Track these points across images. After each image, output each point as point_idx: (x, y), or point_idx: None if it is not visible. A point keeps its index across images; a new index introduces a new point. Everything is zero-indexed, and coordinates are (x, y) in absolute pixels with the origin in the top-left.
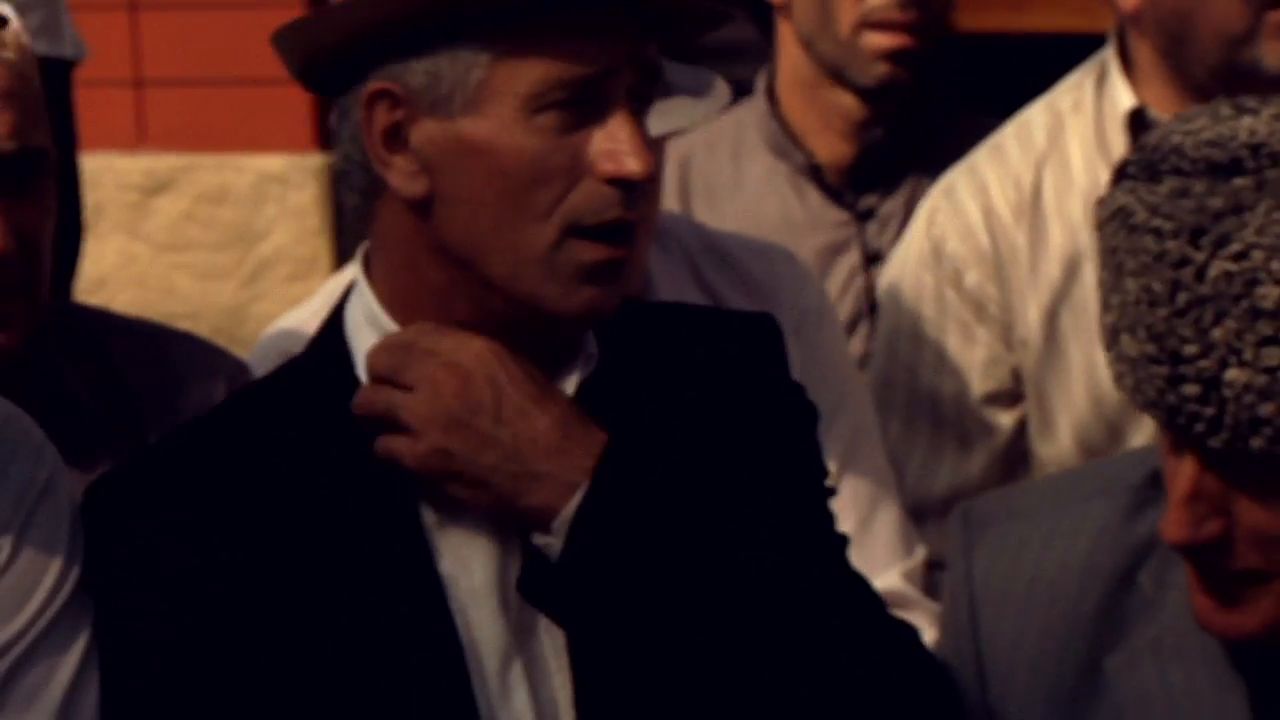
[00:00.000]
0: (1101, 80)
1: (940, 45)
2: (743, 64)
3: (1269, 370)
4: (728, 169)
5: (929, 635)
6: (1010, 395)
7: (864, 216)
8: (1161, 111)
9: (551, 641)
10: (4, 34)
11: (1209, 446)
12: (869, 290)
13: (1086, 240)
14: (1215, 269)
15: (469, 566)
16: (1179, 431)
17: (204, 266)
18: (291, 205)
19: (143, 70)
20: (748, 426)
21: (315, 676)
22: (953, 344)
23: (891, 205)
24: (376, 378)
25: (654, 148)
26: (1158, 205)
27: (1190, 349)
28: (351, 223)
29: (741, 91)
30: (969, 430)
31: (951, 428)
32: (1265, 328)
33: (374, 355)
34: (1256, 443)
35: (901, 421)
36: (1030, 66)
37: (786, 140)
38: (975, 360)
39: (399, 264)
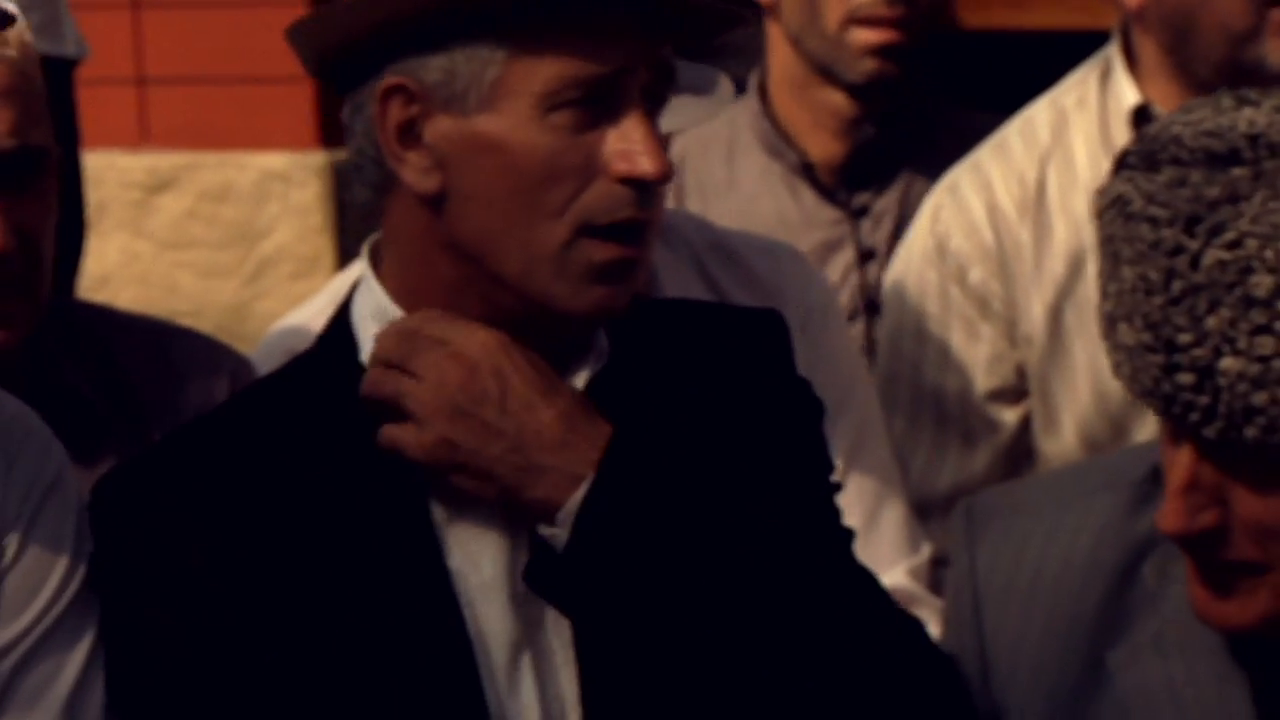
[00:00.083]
0: (1106, 77)
1: (929, 41)
2: (736, 63)
3: (1263, 359)
4: (721, 169)
5: (934, 632)
6: (1014, 392)
7: (858, 214)
8: (1165, 108)
9: (559, 635)
10: (6, 32)
11: (1204, 436)
12: (864, 287)
13: (1091, 237)
14: (1209, 257)
15: (478, 560)
16: (1175, 420)
17: (207, 264)
18: (294, 203)
19: (145, 68)
20: (755, 421)
21: (324, 671)
22: (957, 341)
23: (885, 202)
24: (384, 362)
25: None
26: (1154, 194)
27: (1185, 337)
28: (361, 218)
29: (738, 90)
30: (973, 427)
31: (955, 424)
32: (1259, 316)
33: (382, 339)
34: (1250, 432)
35: (905, 418)
36: (1032, 64)
37: (779, 139)
38: (979, 357)
39: (410, 259)
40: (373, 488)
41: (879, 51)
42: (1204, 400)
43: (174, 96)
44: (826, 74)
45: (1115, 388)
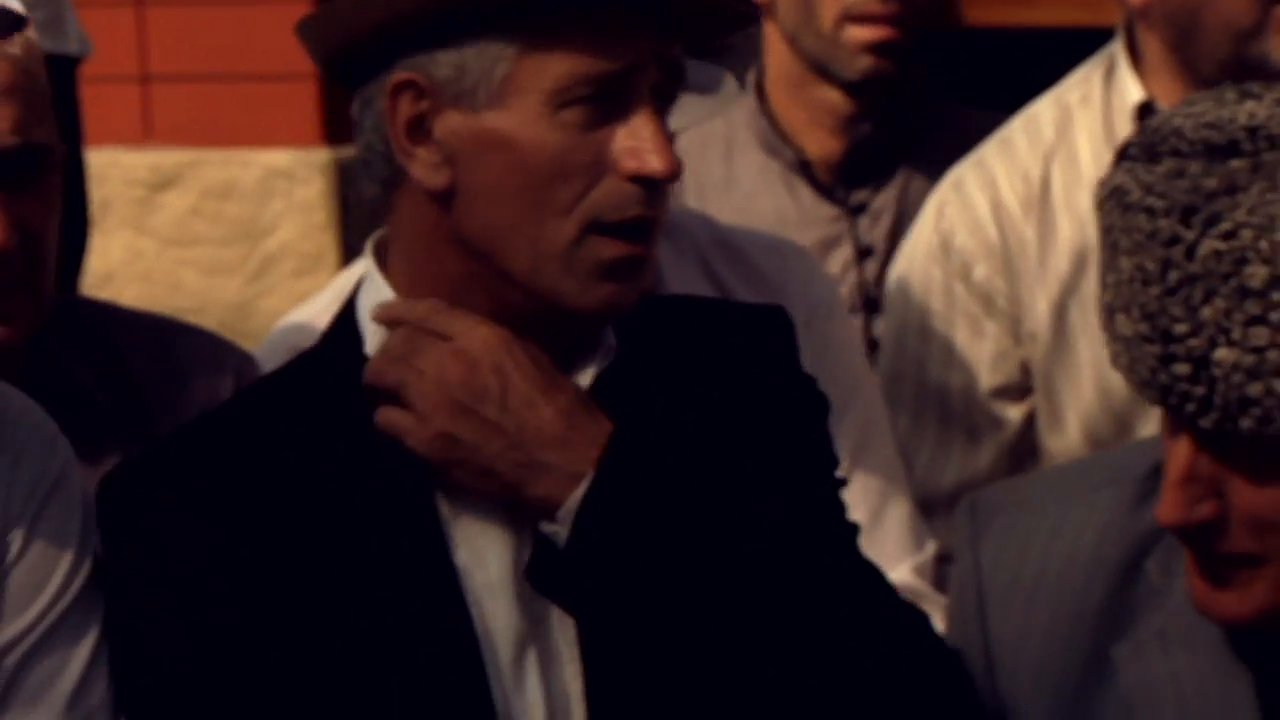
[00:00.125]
0: (1110, 74)
1: (933, 39)
2: (733, 62)
3: (1257, 350)
4: (719, 168)
5: (939, 629)
6: (1018, 389)
7: (856, 211)
8: (1170, 105)
9: (564, 632)
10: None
11: (1201, 427)
12: (861, 284)
13: (1095, 234)
14: (1205, 247)
15: (484, 557)
16: (1171, 411)
17: (210, 261)
18: (298, 200)
19: (149, 66)
20: (760, 418)
21: (331, 667)
22: (961, 338)
23: (883, 199)
24: (388, 353)
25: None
26: (1152, 184)
27: (1181, 328)
28: (366, 215)
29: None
30: (977, 424)
31: (960, 421)
32: (1253, 307)
33: (377, 317)
34: (1246, 423)
35: (909, 415)
36: (1035, 61)
37: (776, 137)
38: (984, 354)
39: (417, 255)
40: (378, 484)
41: (874, 49)
42: (1199, 391)
43: (178, 94)
44: (822, 72)
45: (1120, 384)
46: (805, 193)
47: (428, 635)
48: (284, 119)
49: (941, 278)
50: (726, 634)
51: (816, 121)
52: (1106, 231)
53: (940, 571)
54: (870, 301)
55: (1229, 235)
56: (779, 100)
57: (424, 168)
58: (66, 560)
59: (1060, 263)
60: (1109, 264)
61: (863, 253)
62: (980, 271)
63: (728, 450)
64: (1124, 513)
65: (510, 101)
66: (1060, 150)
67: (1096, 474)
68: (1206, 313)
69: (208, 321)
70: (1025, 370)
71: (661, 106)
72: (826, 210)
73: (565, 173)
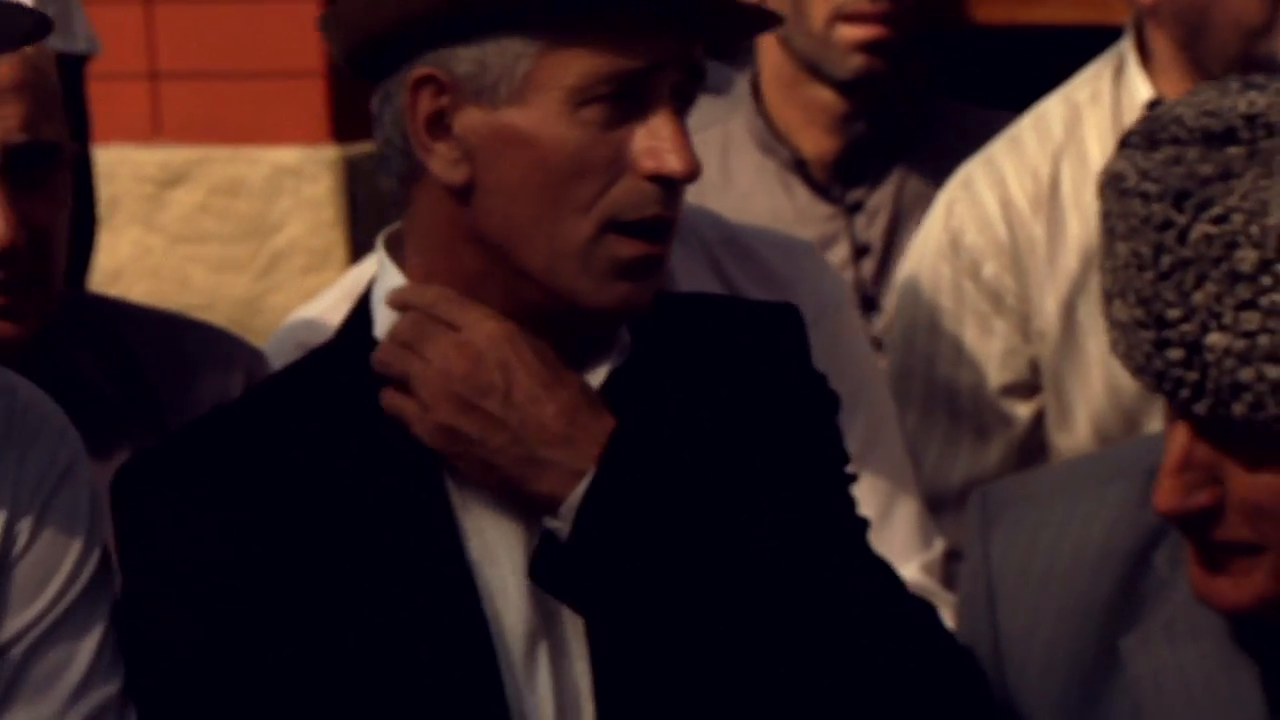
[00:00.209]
0: (1119, 72)
1: (926, 36)
2: (743, 62)
3: (1248, 334)
4: (716, 167)
5: (949, 627)
6: (1028, 386)
7: (852, 209)
8: None
9: (574, 626)
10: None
11: (1196, 413)
12: (859, 283)
13: None
14: (1196, 232)
15: (496, 550)
16: (1167, 397)
17: (219, 258)
18: (306, 197)
19: (158, 63)
20: (771, 414)
21: (343, 659)
22: (970, 335)
23: (879, 197)
24: (397, 340)
25: None
26: (1149, 170)
27: (1174, 313)
28: (374, 213)
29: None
30: (986, 421)
31: (969, 419)
32: (1244, 291)
33: (392, 302)
34: (1238, 409)
35: (918, 413)
36: (1040, 59)
37: (771, 137)
38: (993, 351)
39: (434, 250)
40: (393, 476)
41: (866, 47)
42: (1192, 376)
43: (186, 91)
44: (815, 71)
45: (1128, 382)
46: (801, 191)
47: (441, 629)
48: (292, 116)
49: (951, 275)
50: (733, 629)
51: (811, 120)
52: (1105, 217)
53: (949, 569)
54: (867, 300)
55: (1220, 219)
56: (773, 99)
57: (443, 163)
58: (74, 552)
59: (1069, 261)
60: (1107, 250)
61: (859, 251)
62: (989, 269)
63: (738, 447)
64: (1132, 506)
65: (531, 98)
66: (1069, 148)
67: (1105, 467)
68: (1198, 297)
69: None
70: (1034, 368)
71: (681, 107)
72: (822, 209)
73: (584, 171)
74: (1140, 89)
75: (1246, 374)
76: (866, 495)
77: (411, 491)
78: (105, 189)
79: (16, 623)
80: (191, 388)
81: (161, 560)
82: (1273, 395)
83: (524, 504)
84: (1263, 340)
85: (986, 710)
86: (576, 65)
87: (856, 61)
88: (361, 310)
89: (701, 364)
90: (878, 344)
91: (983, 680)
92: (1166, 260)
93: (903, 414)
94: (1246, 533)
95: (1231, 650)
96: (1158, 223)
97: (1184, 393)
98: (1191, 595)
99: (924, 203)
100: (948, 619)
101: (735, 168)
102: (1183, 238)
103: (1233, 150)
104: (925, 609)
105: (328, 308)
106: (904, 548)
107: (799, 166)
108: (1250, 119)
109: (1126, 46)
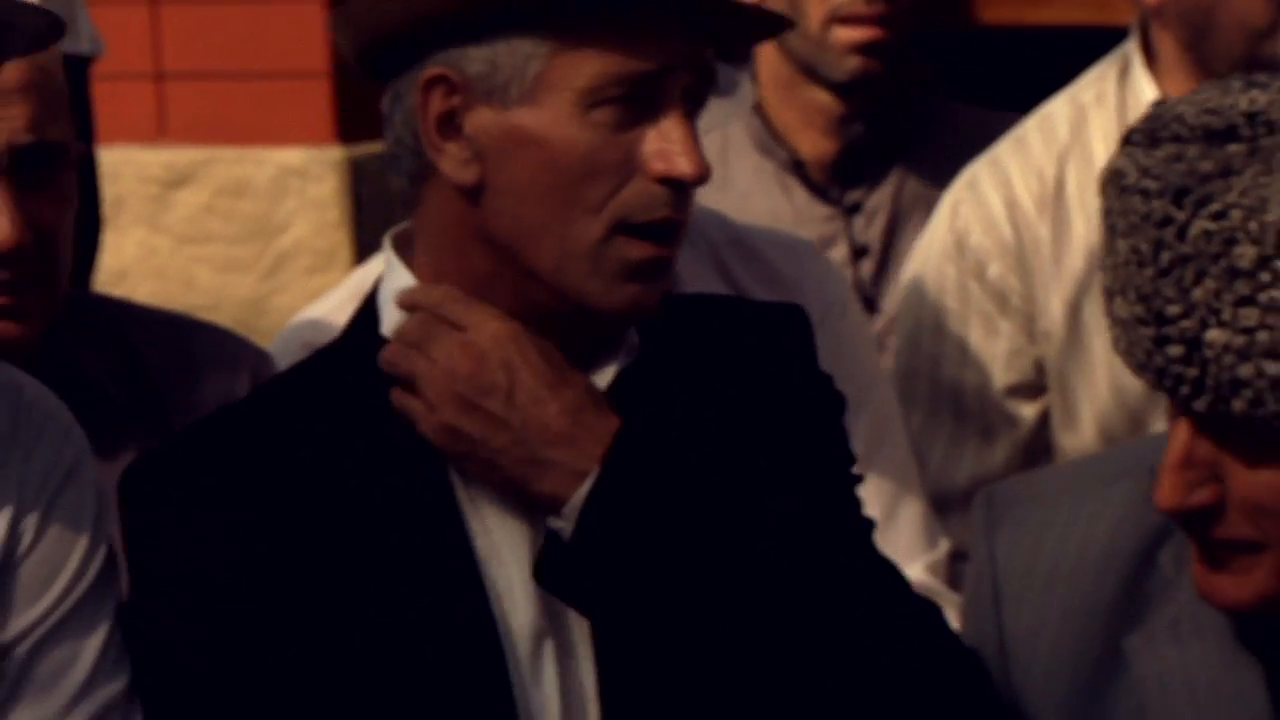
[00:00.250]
0: (1124, 73)
1: (926, 37)
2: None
3: (1247, 331)
4: (714, 168)
5: (953, 627)
6: (1033, 387)
7: (850, 211)
8: None
9: (580, 626)
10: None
11: (1196, 409)
12: (858, 284)
13: None
14: (1195, 228)
15: (502, 550)
16: (1167, 394)
17: (224, 259)
18: (311, 198)
19: (163, 63)
20: (778, 415)
21: (351, 658)
22: (975, 336)
23: (877, 199)
24: (404, 340)
25: None
26: (1149, 167)
27: (1173, 309)
28: (386, 209)
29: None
30: (991, 422)
31: (974, 419)
32: (1243, 287)
33: (400, 303)
34: (1238, 405)
35: (924, 413)
36: (1047, 60)
37: (770, 138)
38: (998, 352)
39: (443, 250)
40: (401, 475)
41: (861, 49)
42: (1192, 373)
43: (191, 92)
44: (811, 73)
45: (1133, 382)
46: (800, 193)
47: (448, 628)
48: (297, 117)
49: (956, 276)
50: (738, 629)
51: (808, 122)
52: (1106, 215)
53: (954, 569)
54: (867, 301)
55: (1219, 216)
56: (771, 101)
57: (453, 163)
58: (80, 550)
59: (1075, 261)
60: (1108, 247)
61: (858, 252)
62: (995, 270)
63: (744, 448)
64: (1137, 505)
65: (542, 99)
66: (1075, 149)
67: (1111, 467)
68: (1197, 294)
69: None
70: (1039, 368)
71: (692, 110)
72: (821, 210)
73: (594, 172)
74: (1145, 90)
75: (1245, 370)
76: (871, 496)
77: (419, 491)
78: (110, 189)
79: (21, 621)
80: (197, 388)
81: (169, 559)
82: (1272, 392)
83: (529, 504)
84: (1261, 336)
85: (991, 710)
86: (588, 66)
87: (852, 63)
88: (368, 309)
89: (708, 365)
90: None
91: (988, 681)
92: (1166, 257)
93: (908, 414)
94: (1247, 530)
95: (1236, 650)
96: (1157, 219)
97: (1184, 389)
98: (1196, 594)
99: (922, 203)
100: (952, 619)
101: (734, 169)
102: (1182, 234)
103: (1233, 148)
104: (930, 609)
105: (333, 308)
106: (909, 548)
107: (797, 168)
108: (1251, 116)
109: (1132, 47)
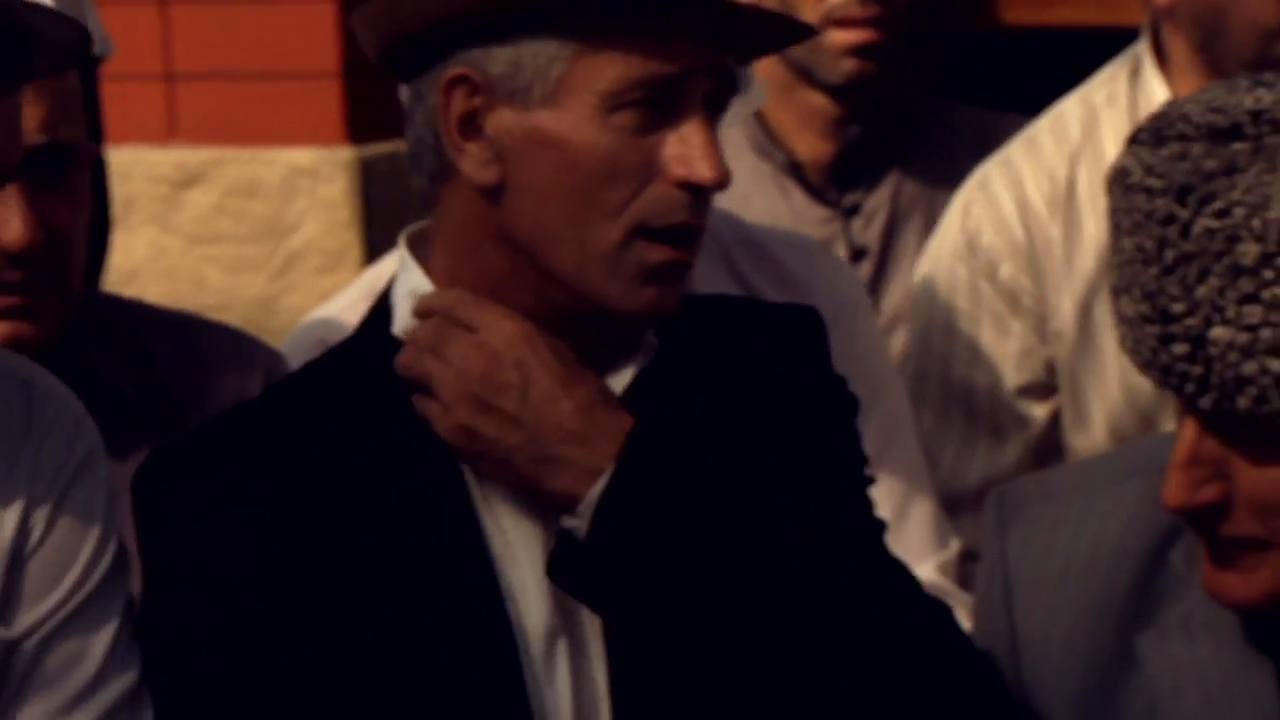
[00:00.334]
0: (1135, 74)
1: (929, 37)
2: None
3: (1251, 328)
4: None
5: (964, 627)
6: (1044, 387)
7: (848, 213)
8: None
9: (592, 625)
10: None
11: (1201, 407)
12: None
13: None
14: (1199, 226)
15: (517, 549)
16: (1174, 392)
17: (234, 259)
18: (321, 198)
19: (173, 64)
20: (791, 416)
21: (365, 656)
22: (986, 336)
23: (876, 200)
24: (418, 344)
25: None
26: (1154, 166)
27: (1178, 307)
28: (388, 213)
29: None
30: (1002, 422)
31: (985, 420)
32: (1246, 284)
33: (415, 311)
34: (1243, 403)
35: (935, 414)
36: (1057, 61)
37: (767, 140)
38: (1009, 352)
39: (461, 249)
40: (415, 473)
41: (856, 51)
42: (1197, 370)
43: (202, 92)
44: (807, 76)
45: (1144, 382)
46: (797, 195)
47: (462, 628)
48: (308, 117)
49: (967, 276)
50: (750, 628)
51: (805, 124)
52: (1112, 213)
53: (965, 569)
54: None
55: (1222, 213)
56: (768, 104)
57: (474, 163)
58: (90, 545)
59: (1086, 262)
60: (1114, 245)
61: (856, 254)
62: (1006, 270)
63: (757, 448)
64: (1148, 504)
65: (564, 101)
66: (1086, 150)
67: (1122, 465)
68: (1202, 291)
69: (231, 318)
70: (1050, 369)
71: (713, 115)
72: (819, 212)
73: (615, 176)
74: (1157, 91)
75: (1250, 368)
76: (882, 496)
77: (433, 491)
78: (120, 190)
79: (31, 615)
80: (209, 388)
81: (182, 557)
82: (1276, 389)
83: (544, 503)
84: (1265, 334)
85: (1002, 710)
86: (610, 69)
87: (848, 66)
88: (381, 308)
89: (723, 366)
90: None
91: (999, 680)
92: (1170, 255)
93: (919, 414)
94: (1254, 528)
95: (1247, 648)
96: (1161, 217)
97: (1189, 387)
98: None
99: (920, 204)
100: (963, 620)
101: (732, 171)
102: (1185, 232)
103: (1237, 146)
104: (941, 609)
105: (345, 307)
106: (920, 548)
107: (795, 170)
108: (1256, 115)
109: (1143, 48)
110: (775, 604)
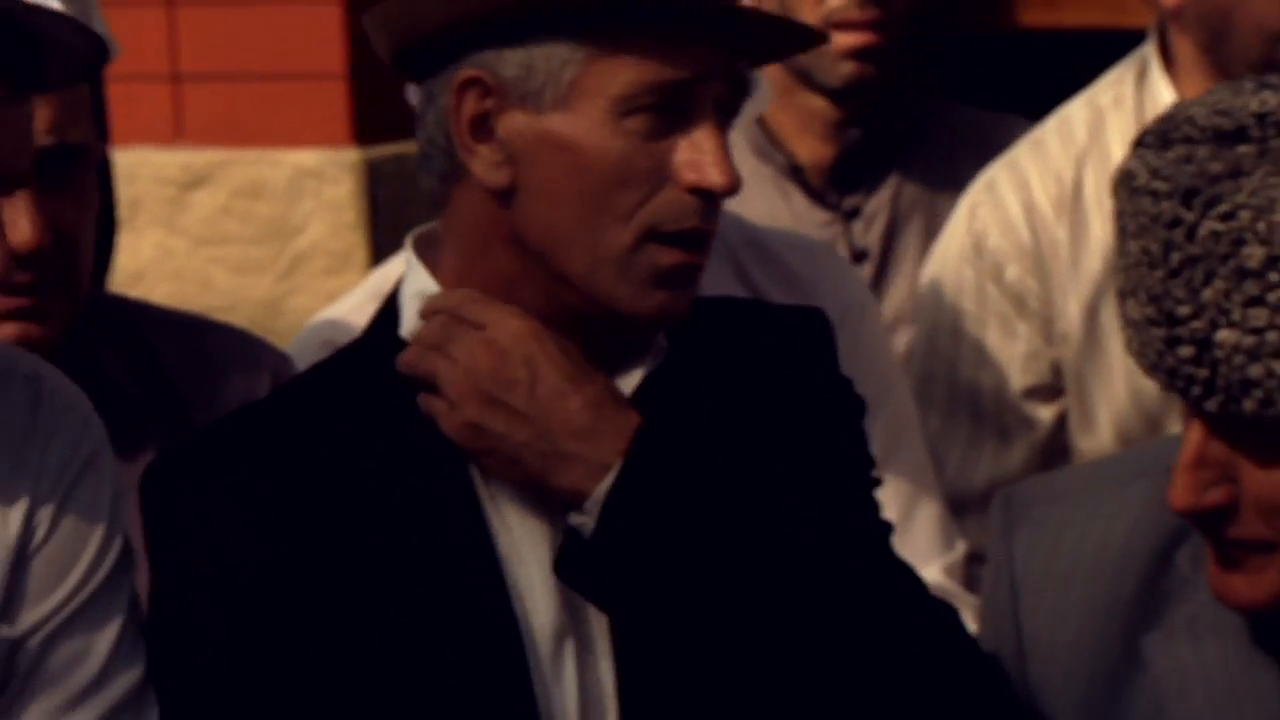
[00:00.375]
0: (1142, 76)
1: (909, 40)
2: None
3: (1256, 331)
4: None
5: (971, 628)
6: (1050, 389)
7: (849, 215)
8: None
9: (599, 624)
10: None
11: (1208, 410)
12: None
13: None
14: (1204, 229)
15: (524, 547)
16: (1180, 395)
17: (240, 260)
18: (328, 200)
19: (180, 65)
20: (798, 417)
21: (372, 655)
22: (993, 338)
23: (876, 203)
24: (423, 342)
25: None
26: (1159, 169)
27: (1184, 310)
28: (394, 215)
29: None
30: (1008, 424)
31: (991, 422)
32: (1252, 287)
33: (424, 314)
34: (1248, 405)
35: (941, 415)
36: (1062, 63)
37: (767, 143)
38: (1015, 354)
39: (471, 251)
40: (423, 472)
41: (856, 54)
42: (1203, 373)
43: (208, 93)
44: (807, 79)
45: (1151, 385)
46: (798, 198)
47: (470, 626)
48: (314, 119)
49: (974, 278)
50: (756, 628)
51: (805, 127)
52: (1118, 216)
53: (970, 571)
54: None
55: (1227, 216)
56: (769, 107)
57: (485, 165)
58: (94, 544)
59: (1092, 264)
60: (1120, 248)
61: (857, 256)
62: (1012, 272)
63: (765, 449)
64: (1155, 505)
65: (575, 105)
66: (1093, 152)
67: (1128, 467)
68: (1207, 294)
69: (237, 320)
70: (1057, 371)
71: (724, 120)
72: (820, 215)
73: (626, 180)
74: (1163, 93)
75: (1256, 370)
76: (888, 497)
77: (440, 490)
78: (126, 191)
79: (36, 613)
80: (216, 389)
81: (190, 557)
82: None
83: (551, 500)
84: (1271, 336)
85: (1008, 711)
86: (623, 74)
87: (847, 69)
88: (389, 310)
89: (731, 368)
90: None
91: (1005, 682)
92: (1176, 257)
93: (925, 416)
94: (1261, 530)
95: (1253, 649)
96: (1167, 220)
97: (1195, 390)
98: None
99: (921, 207)
100: (969, 621)
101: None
102: (1191, 235)
103: (1243, 148)
104: (946, 611)
105: (352, 308)
106: (926, 550)
107: (795, 173)
108: (1261, 118)
109: (1150, 50)
110: (782, 603)
